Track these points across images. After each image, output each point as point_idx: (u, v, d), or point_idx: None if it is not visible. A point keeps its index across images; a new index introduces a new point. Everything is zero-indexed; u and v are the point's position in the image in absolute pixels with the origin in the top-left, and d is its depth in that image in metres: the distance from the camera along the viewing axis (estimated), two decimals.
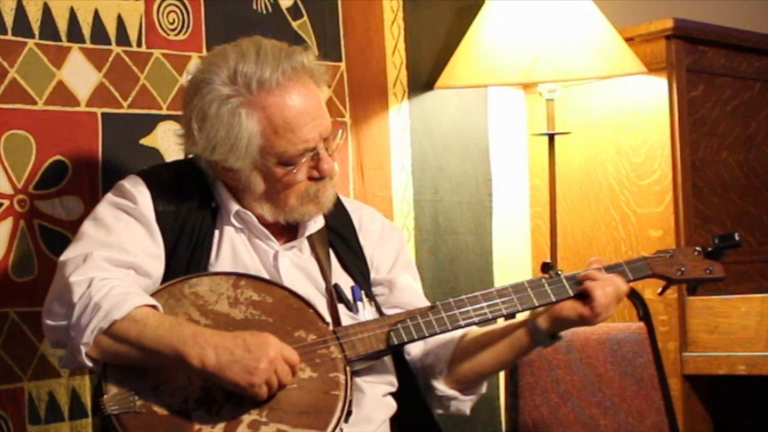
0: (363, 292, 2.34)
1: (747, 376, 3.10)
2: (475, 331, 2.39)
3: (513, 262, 3.46)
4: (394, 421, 2.32)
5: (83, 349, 2.05)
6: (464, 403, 2.40)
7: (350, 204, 2.49)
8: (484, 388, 2.44)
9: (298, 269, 2.30)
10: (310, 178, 2.25)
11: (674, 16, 3.27)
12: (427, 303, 2.35)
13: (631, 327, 3.00)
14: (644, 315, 3.01)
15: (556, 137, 3.22)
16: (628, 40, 3.24)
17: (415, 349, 2.40)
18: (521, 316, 2.40)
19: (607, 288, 2.26)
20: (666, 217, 3.28)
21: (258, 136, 2.20)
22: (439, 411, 2.41)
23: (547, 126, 3.23)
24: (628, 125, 3.37)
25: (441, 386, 2.37)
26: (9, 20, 2.52)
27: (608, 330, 2.99)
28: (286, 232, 2.34)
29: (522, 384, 2.92)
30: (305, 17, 3.01)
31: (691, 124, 3.33)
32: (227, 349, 2.02)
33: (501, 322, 2.42)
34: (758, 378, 3.10)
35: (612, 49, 3.13)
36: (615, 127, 3.39)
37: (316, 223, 2.34)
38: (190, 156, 2.32)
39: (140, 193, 2.24)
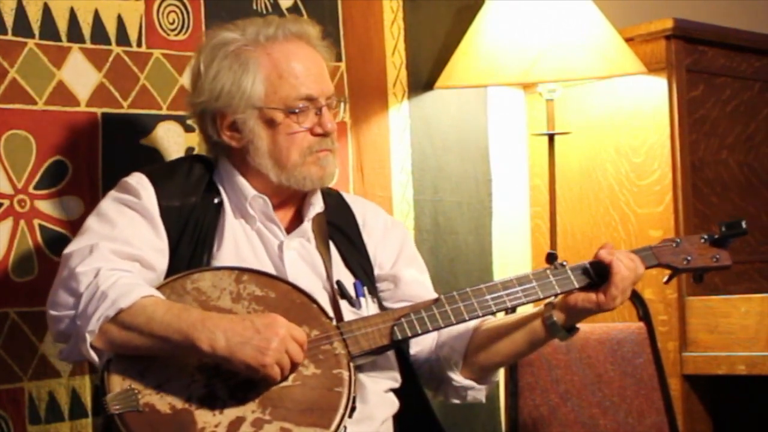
0: (366, 288, 2.34)
1: (747, 376, 3.10)
2: (490, 321, 2.39)
3: (513, 262, 3.46)
4: (396, 418, 2.32)
5: (88, 338, 2.04)
6: (480, 392, 2.40)
7: (353, 201, 2.50)
8: (498, 376, 2.46)
9: (304, 262, 2.31)
10: (313, 134, 2.28)
11: (674, 16, 3.27)
12: (435, 295, 2.34)
13: (631, 327, 3.00)
14: (644, 315, 3.01)
15: (556, 137, 3.22)
16: (628, 40, 3.24)
17: (427, 341, 2.40)
18: (528, 308, 2.40)
19: (626, 272, 2.24)
20: (666, 217, 3.28)
21: (263, 80, 2.26)
22: (456, 401, 2.42)
23: (547, 126, 3.23)
24: (628, 125, 3.37)
25: (457, 377, 2.37)
26: (9, 20, 2.52)
27: (608, 330, 2.99)
28: (292, 220, 2.35)
29: (522, 384, 2.92)
30: (305, 17, 3.01)
31: (691, 124, 3.33)
32: (236, 332, 2.02)
33: (516, 313, 2.41)
34: (758, 378, 3.10)
35: (612, 49, 3.13)
36: (615, 127, 3.39)
37: (315, 207, 2.34)
38: (194, 152, 2.33)
39: (144, 188, 2.25)
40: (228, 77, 2.26)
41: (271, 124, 2.27)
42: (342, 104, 2.36)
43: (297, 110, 2.26)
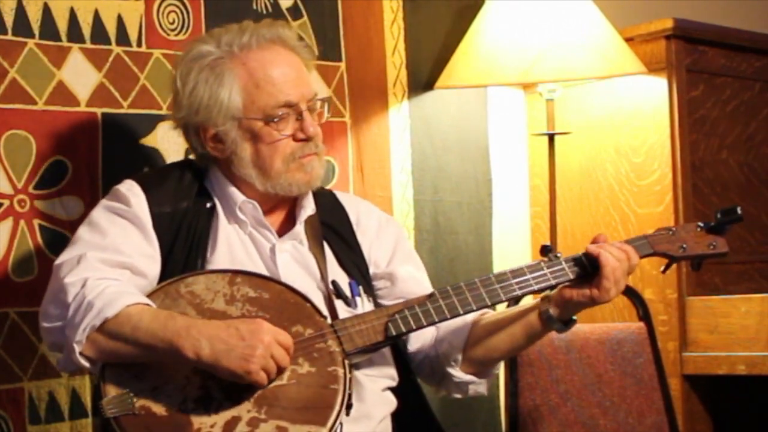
0: (361, 287, 2.34)
1: (747, 376, 3.10)
2: (487, 316, 2.38)
3: (513, 262, 3.45)
4: (394, 417, 2.32)
5: (77, 348, 2.05)
6: (481, 385, 2.41)
7: (347, 200, 2.49)
8: (498, 368, 2.46)
9: (297, 264, 2.31)
10: (295, 139, 2.27)
11: (674, 16, 3.27)
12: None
13: (631, 327, 3.00)
14: (644, 315, 3.01)
15: (556, 137, 3.22)
16: (628, 40, 3.24)
17: (425, 338, 2.40)
18: (525, 300, 2.39)
19: (616, 263, 2.23)
20: (666, 217, 3.28)
21: (239, 91, 2.25)
22: (458, 395, 2.42)
23: (547, 126, 3.23)
24: (628, 125, 3.37)
25: (457, 373, 2.37)
26: (9, 20, 2.52)
27: (608, 330, 2.99)
28: (284, 223, 2.35)
29: (522, 384, 2.92)
30: (305, 17, 3.02)
31: (691, 124, 3.33)
32: (221, 339, 2.02)
33: (512, 307, 2.41)
34: (758, 378, 3.10)
35: (612, 49, 3.13)
36: (615, 127, 3.39)
37: (306, 209, 2.34)
38: (191, 157, 2.33)
39: (135, 195, 2.25)
40: (205, 91, 2.26)
41: (252, 134, 2.26)
42: (326, 104, 2.35)
43: (276, 118, 2.25)
